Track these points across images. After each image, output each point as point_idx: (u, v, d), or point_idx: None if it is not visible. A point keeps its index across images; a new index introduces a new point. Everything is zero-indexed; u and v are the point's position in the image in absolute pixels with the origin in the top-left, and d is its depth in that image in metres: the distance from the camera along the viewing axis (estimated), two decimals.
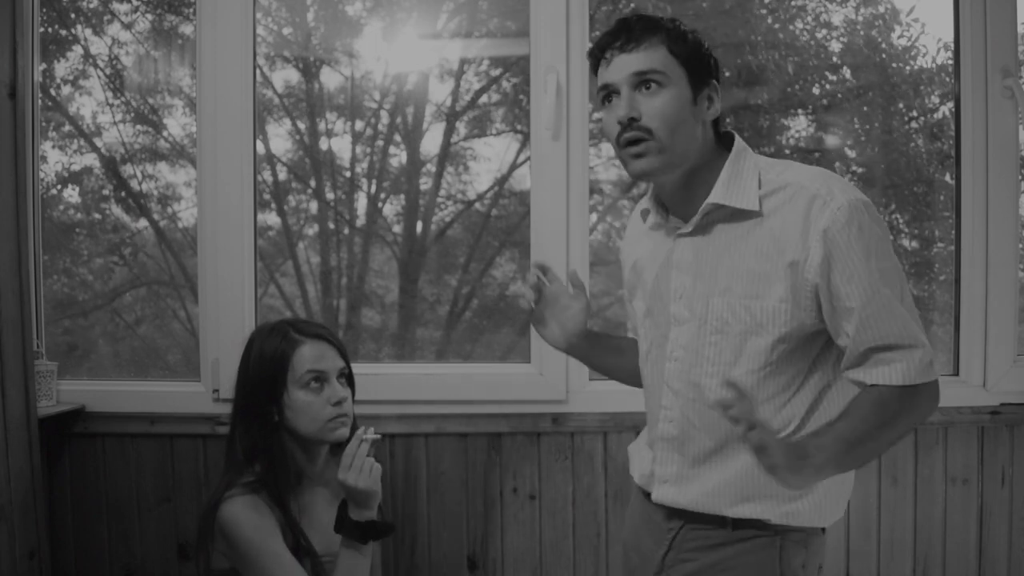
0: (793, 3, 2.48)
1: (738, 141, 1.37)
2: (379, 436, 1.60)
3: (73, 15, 2.40)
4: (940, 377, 2.23)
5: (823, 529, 1.38)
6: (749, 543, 1.34)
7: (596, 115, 2.30)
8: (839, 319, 1.25)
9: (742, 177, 1.31)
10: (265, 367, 1.67)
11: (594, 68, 1.36)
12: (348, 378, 1.75)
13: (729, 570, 1.34)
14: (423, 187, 2.51)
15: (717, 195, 1.31)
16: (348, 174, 2.51)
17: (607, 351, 1.63)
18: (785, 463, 1.15)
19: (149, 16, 2.43)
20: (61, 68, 2.43)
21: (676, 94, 1.28)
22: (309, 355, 1.68)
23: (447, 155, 2.50)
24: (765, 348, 1.28)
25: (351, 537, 1.59)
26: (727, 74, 2.39)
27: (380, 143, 2.53)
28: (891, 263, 1.26)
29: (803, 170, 1.32)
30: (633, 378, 1.58)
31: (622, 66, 1.30)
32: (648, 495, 1.45)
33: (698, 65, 1.31)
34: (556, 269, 2.13)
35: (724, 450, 1.34)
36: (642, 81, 1.29)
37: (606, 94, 1.33)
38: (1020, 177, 2.21)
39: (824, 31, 2.49)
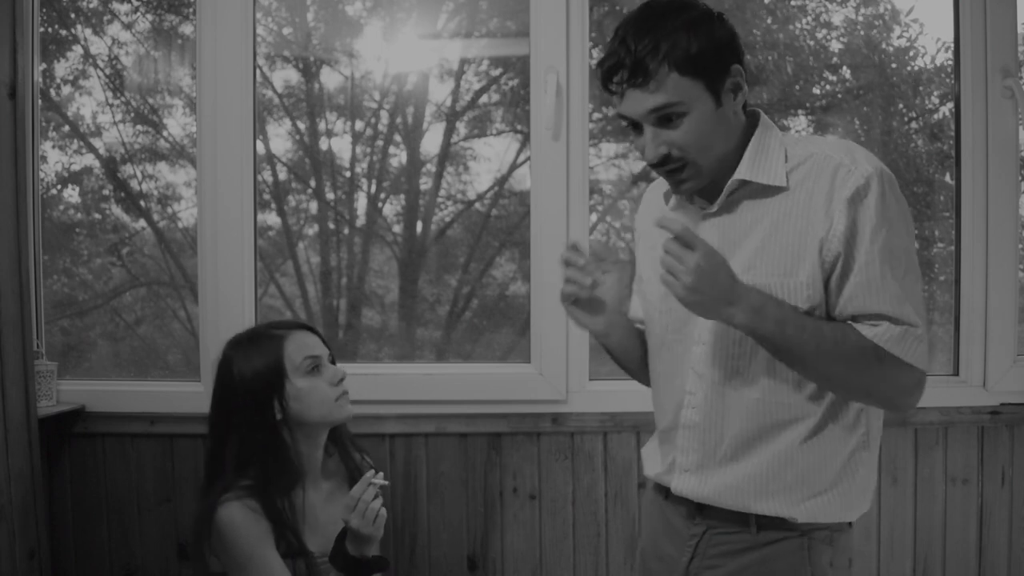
0: (793, 3, 2.48)
1: (764, 119, 1.33)
2: (387, 482, 1.60)
3: (73, 15, 2.40)
4: (941, 377, 2.22)
5: (850, 523, 1.35)
6: (775, 546, 1.31)
7: (596, 115, 2.30)
8: (835, 283, 1.24)
9: (768, 152, 1.28)
10: (260, 371, 1.67)
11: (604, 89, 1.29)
12: (333, 363, 1.77)
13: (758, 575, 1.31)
14: (423, 187, 2.51)
15: (743, 171, 1.28)
16: (348, 174, 2.51)
17: (633, 332, 1.52)
18: (707, 297, 1.17)
19: (149, 16, 2.43)
20: (61, 68, 2.43)
21: (699, 114, 1.23)
22: (300, 344, 1.70)
23: (447, 155, 2.50)
24: None
25: (343, 571, 1.60)
26: None
27: (380, 143, 2.53)
28: (902, 241, 1.23)
29: (828, 141, 1.30)
30: (629, 362, 1.52)
31: (636, 102, 1.23)
32: (666, 494, 1.41)
33: (713, 68, 1.23)
34: (556, 269, 2.15)
35: (749, 440, 1.30)
36: (662, 116, 1.23)
37: (629, 123, 1.28)
38: (1020, 177, 2.21)
39: (824, 31, 2.49)
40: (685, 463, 1.36)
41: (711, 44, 1.22)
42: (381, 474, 1.60)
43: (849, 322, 1.25)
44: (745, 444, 1.31)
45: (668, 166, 1.27)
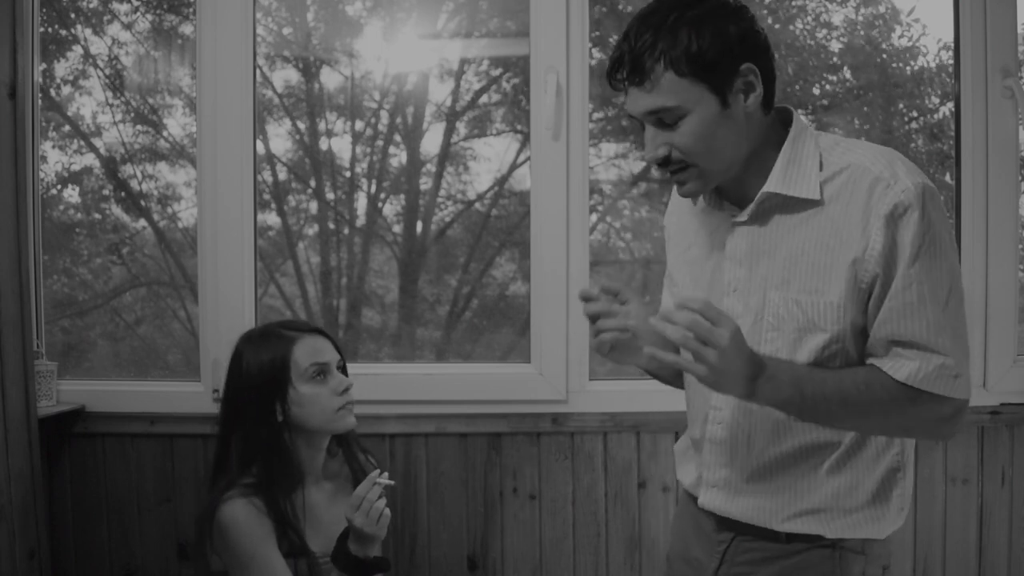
0: (793, 3, 2.48)
1: (797, 120, 1.25)
2: (392, 482, 1.60)
3: (73, 15, 2.40)
4: None
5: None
6: (805, 556, 1.27)
7: (596, 115, 2.30)
8: (872, 306, 1.19)
9: (801, 162, 1.21)
10: (265, 369, 1.67)
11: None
12: (343, 370, 1.76)
13: None
14: (423, 187, 2.51)
15: (773, 183, 1.21)
16: (348, 174, 2.51)
17: (669, 345, 1.47)
18: (732, 374, 1.11)
19: (149, 16, 2.43)
20: (61, 68, 2.43)
21: (699, 117, 1.17)
22: (309, 349, 1.69)
23: (447, 155, 2.50)
24: (819, 346, 1.21)
25: (345, 571, 1.60)
26: None
27: (380, 143, 2.53)
28: (944, 261, 1.16)
29: (868, 149, 1.22)
30: (674, 376, 1.47)
31: (636, 101, 1.20)
32: (696, 500, 1.37)
33: (716, 68, 1.16)
34: (556, 269, 2.15)
35: (777, 460, 1.26)
36: (659, 118, 1.19)
37: (636, 121, 1.24)
38: (1020, 177, 2.21)
39: (824, 31, 2.49)
40: (711, 479, 1.33)
41: (716, 43, 1.15)
42: (386, 474, 1.60)
43: (873, 362, 1.20)
44: (772, 464, 1.27)
45: (670, 167, 1.23)
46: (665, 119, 1.19)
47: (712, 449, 1.33)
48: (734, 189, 1.28)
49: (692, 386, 1.39)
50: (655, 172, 1.27)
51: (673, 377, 1.47)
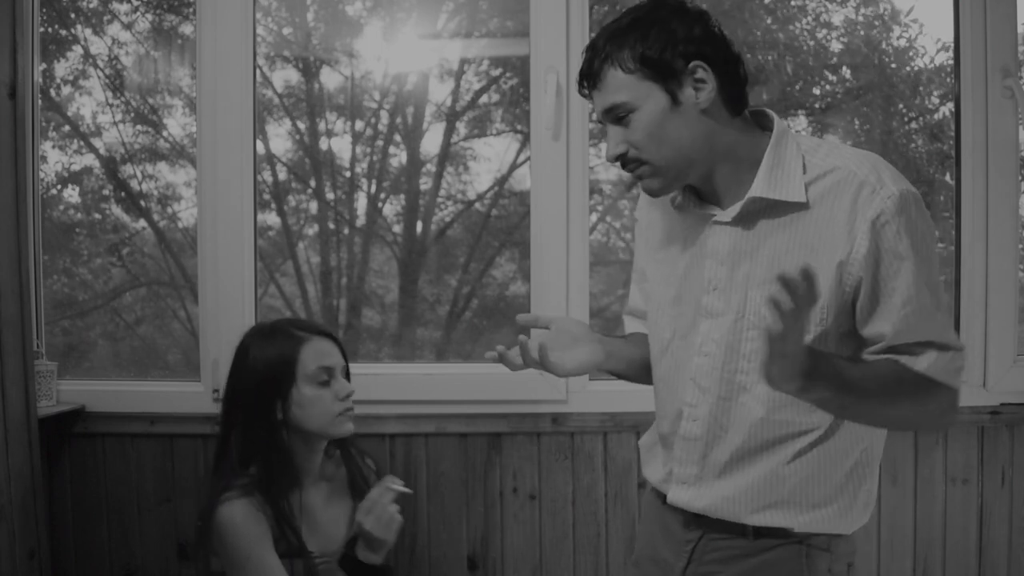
0: (793, 3, 2.48)
1: (778, 123, 1.27)
2: (409, 490, 1.60)
3: (73, 15, 2.40)
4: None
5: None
6: (772, 552, 1.28)
7: (596, 116, 2.30)
8: (876, 314, 1.19)
9: (785, 165, 1.23)
10: (271, 366, 1.67)
11: None
12: (347, 376, 1.76)
13: None
14: (423, 187, 2.51)
15: (759, 188, 1.23)
16: (348, 174, 2.51)
17: (624, 345, 1.49)
18: (790, 372, 1.06)
19: (149, 16, 2.43)
20: (61, 68, 2.43)
21: (647, 113, 1.22)
22: (317, 351, 1.69)
23: (447, 155, 2.51)
24: None
25: (348, 575, 1.61)
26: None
27: (380, 143, 2.53)
28: (932, 263, 1.20)
29: (851, 154, 1.24)
30: (643, 373, 1.47)
31: (596, 103, 1.27)
32: (664, 498, 1.38)
33: (664, 65, 1.20)
34: (556, 269, 2.15)
35: (748, 453, 1.27)
36: (615, 116, 1.24)
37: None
38: (1020, 177, 2.21)
39: (824, 31, 2.49)
40: (682, 475, 1.34)
41: (660, 40, 1.20)
42: (400, 482, 1.61)
43: (892, 357, 1.20)
44: (744, 458, 1.28)
45: (628, 165, 1.27)
46: (618, 115, 1.24)
47: (684, 446, 1.33)
48: (709, 190, 1.30)
49: (662, 382, 1.40)
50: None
51: (640, 375, 1.48)
